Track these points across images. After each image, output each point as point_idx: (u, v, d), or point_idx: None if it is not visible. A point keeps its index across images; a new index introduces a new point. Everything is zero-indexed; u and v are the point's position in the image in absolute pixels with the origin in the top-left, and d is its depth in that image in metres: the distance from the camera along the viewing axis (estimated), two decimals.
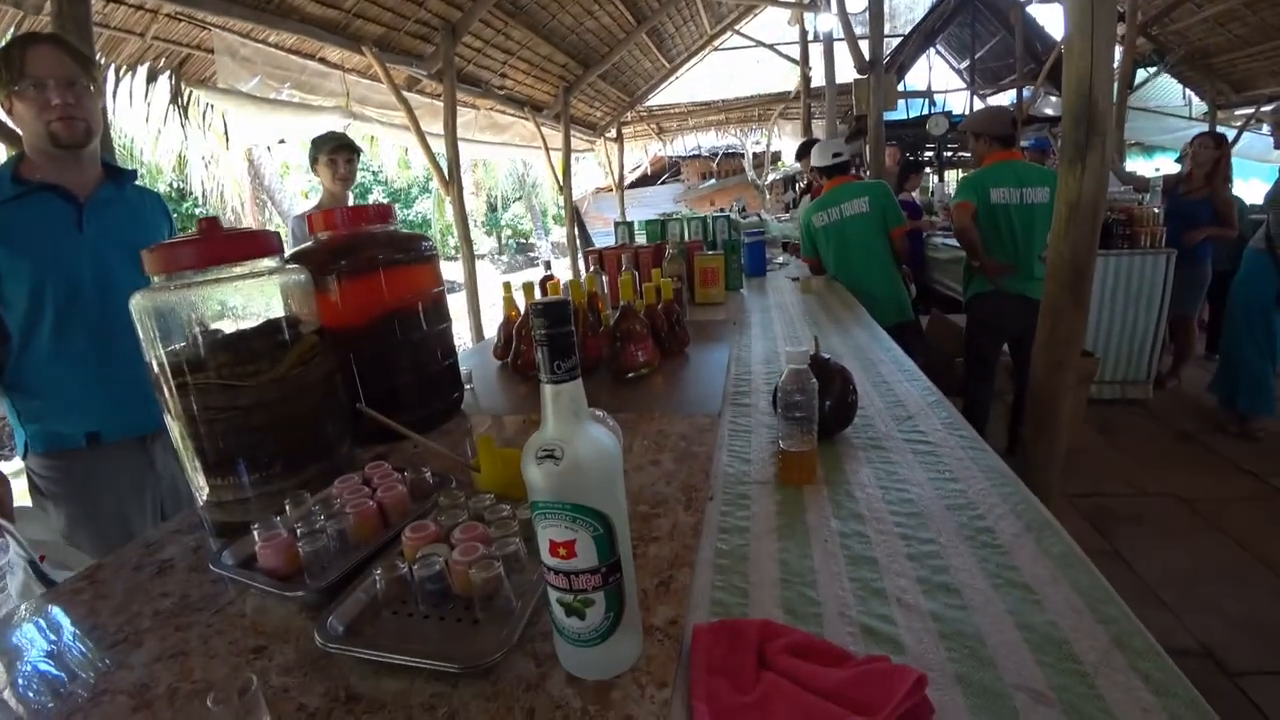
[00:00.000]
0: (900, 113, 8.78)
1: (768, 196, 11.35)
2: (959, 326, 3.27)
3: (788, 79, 10.11)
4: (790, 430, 0.88)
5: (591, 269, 2.31)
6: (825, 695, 0.50)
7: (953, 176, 9.75)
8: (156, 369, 0.91)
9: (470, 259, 5.15)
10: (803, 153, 3.60)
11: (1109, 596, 0.62)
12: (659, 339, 1.56)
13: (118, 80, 3.33)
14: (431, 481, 0.95)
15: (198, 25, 3.38)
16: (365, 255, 1.19)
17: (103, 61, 3.20)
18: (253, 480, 0.95)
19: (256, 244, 1.01)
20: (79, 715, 0.59)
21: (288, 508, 0.86)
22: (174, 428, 0.94)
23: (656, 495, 0.89)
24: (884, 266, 2.91)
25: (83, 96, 1.51)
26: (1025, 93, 7.98)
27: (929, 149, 9.80)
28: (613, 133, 9.98)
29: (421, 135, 4.55)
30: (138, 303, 0.91)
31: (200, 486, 0.94)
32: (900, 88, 9.17)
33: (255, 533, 0.79)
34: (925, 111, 9.73)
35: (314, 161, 2.86)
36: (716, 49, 9.49)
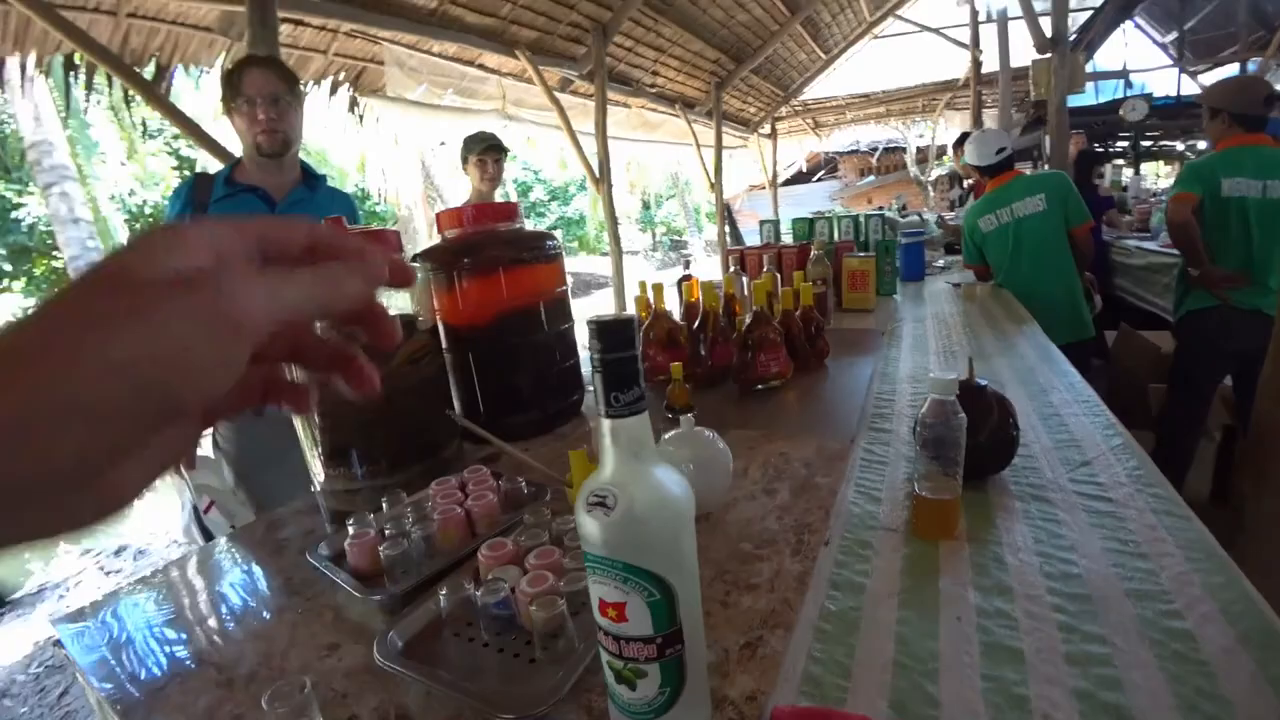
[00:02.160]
0: (1088, 97, 7.77)
1: (931, 194, 10.53)
2: (1156, 347, 2.80)
3: (956, 65, 9.32)
4: (929, 472, 0.74)
5: (732, 269, 2.22)
6: None
7: (1153, 170, 8.49)
8: None
9: (618, 255, 5.21)
10: (959, 146, 3.23)
11: None
12: (795, 349, 1.43)
13: (305, 94, 3.71)
14: (526, 492, 0.92)
15: (370, 40, 3.67)
16: (488, 253, 1.19)
17: None
18: (362, 473, 0.98)
19: (379, 241, 1.04)
20: (177, 680, 0.64)
21: (384, 505, 0.86)
22: (297, 417, 0.97)
23: (764, 533, 0.79)
24: (1063, 273, 2.54)
25: (285, 111, 1.73)
26: (1250, 67, 6.74)
27: (1123, 138, 8.60)
28: (766, 129, 9.73)
29: (573, 135, 4.67)
30: None
31: (316, 473, 0.98)
32: (1089, 68, 8.14)
33: (349, 528, 0.79)
34: (1119, 95, 8.53)
35: (464, 161, 2.98)
36: (876, 37, 8.90)
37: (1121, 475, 0.88)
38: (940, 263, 3.28)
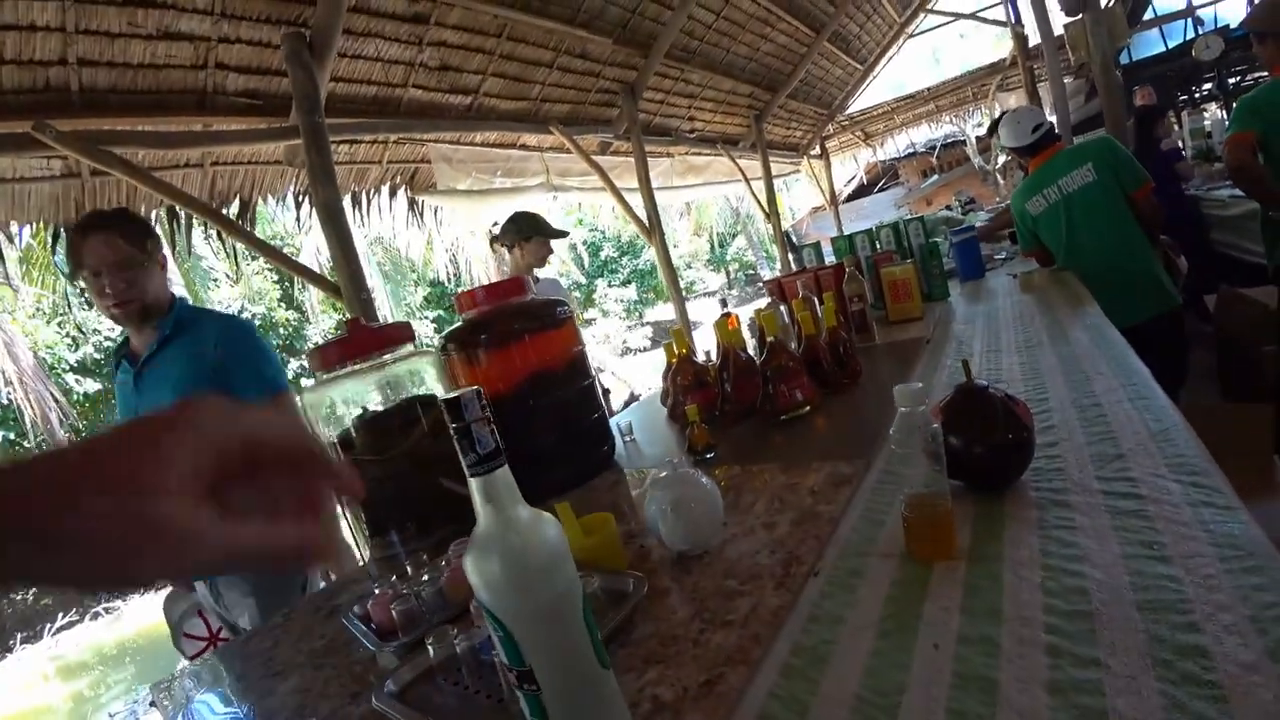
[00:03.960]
0: (1154, 43, 7.20)
1: (1001, 182, 10.03)
2: (1264, 305, 2.51)
3: (999, 45, 8.95)
4: (914, 488, 0.70)
5: (769, 300, 2.20)
6: None
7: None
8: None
9: (679, 300, 5.26)
10: (992, 131, 3.07)
11: None
12: (823, 373, 1.40)
13: (369, 200, 4.04)
14: None
15: (418, 143, 3.97)
16: (502, 328, 1.26)
17: (354, 188, 3.89)
18: (399, 540, 1.07)
19: (388, 336, 1.15)
20: None
21: (408, 569, 0.92)
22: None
23: (751, 569, 0.77)
24: (1129, 242, 2.34)
25: (137, 277, 1.59)
26: None
27: (1207, 79, 7.88)
28: (816, 150, 9.65)
29: (618, 193, 4.81)
30: (305, 397, 1.12)
31: (364, 545, 1.07)
32: (1149, 12, 7.56)
33: (375, 589, 0.87)
34: (1190, 36, 7.85)
35: (523, 240, 2.95)
36: (910, 35, 8.71)
37: (1160, 466, 0.80)
38: (1001, 255, 3.11)
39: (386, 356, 1.14)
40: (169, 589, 1.69)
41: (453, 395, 0.45)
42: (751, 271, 20.52)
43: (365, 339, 1.13)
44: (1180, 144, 5.10)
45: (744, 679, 0.58)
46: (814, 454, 1.11)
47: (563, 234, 3.13)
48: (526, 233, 2.99)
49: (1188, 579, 0.59)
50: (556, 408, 1.29)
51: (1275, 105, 2.08)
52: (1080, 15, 3.72)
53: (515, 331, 1.26)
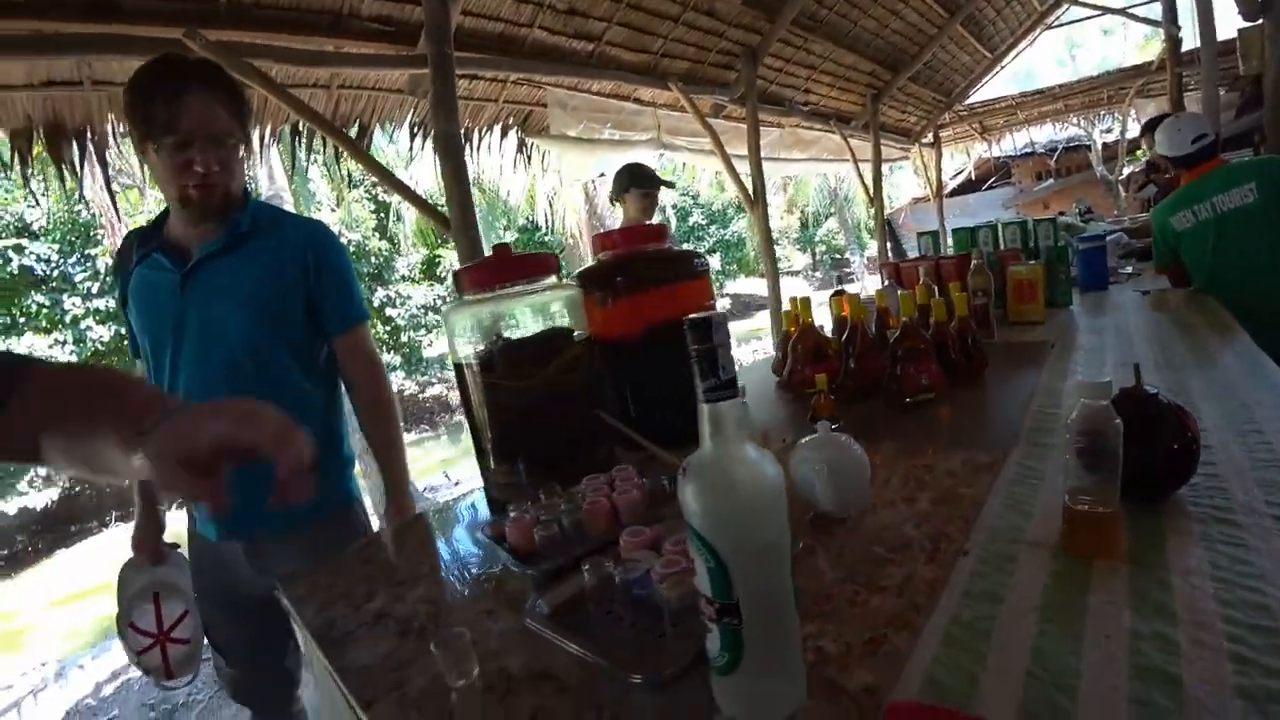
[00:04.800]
0: None
1: (1122, 194, 9.37)
2: None
3: (1146, 48, 8.23)
4: (1082, 483, 0.70)
5: (886, 283, 2.16)
6: None
7: None
8: (462, 368, 1.13)
9: (774, 275, 5.20)
10: (1146, 132, 2.83)
11: None
12: (949, 362, 1.38)
13: (480, 138, 4.11)
14: (669, 489, 0.97)
15: (535, 86, 4.00)
16: (638, 272, 1.28)
17: (468, 124, 3.96)
18: (524, 469, 1.11)
19: (537, 265, 1.18)
20: (365, 627, 0.79)
21: (541, 496, 0.96)
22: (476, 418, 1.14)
23: (898, 538, 0.78)
24: None
25: (231, 158, 1.30)
26: None
27: None
28: (929, 138, 9.23)
29: (727, 159, 4.75)
30: (447, 311, 1.16)
31: (487, 467, 1.14)
32: None
33: (510, 512, 0.90)
34: None
35: (624, 191, 3.07)
36: (1050, 26, 8.03)
37: None
38: (1128, 269, 2.94)
39: (529, 285, 1.17)
40: (129, 556, 1.35)
41: (701, 316, 0.46)
42: (839, 255, 19.94)
43: (513, 264, 1.17)
44: None
45: (908, 642, 0.60)
46: (942, 441, 1.10)
47: (667, 184, 3.13)
48: (627, 184, 3.02)
49: None
50: (679, 359, 1.31)
51: None
52: (1260, 20, 3.39)
53: (651, 277, 1.28)
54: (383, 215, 13.46)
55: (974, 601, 0.65)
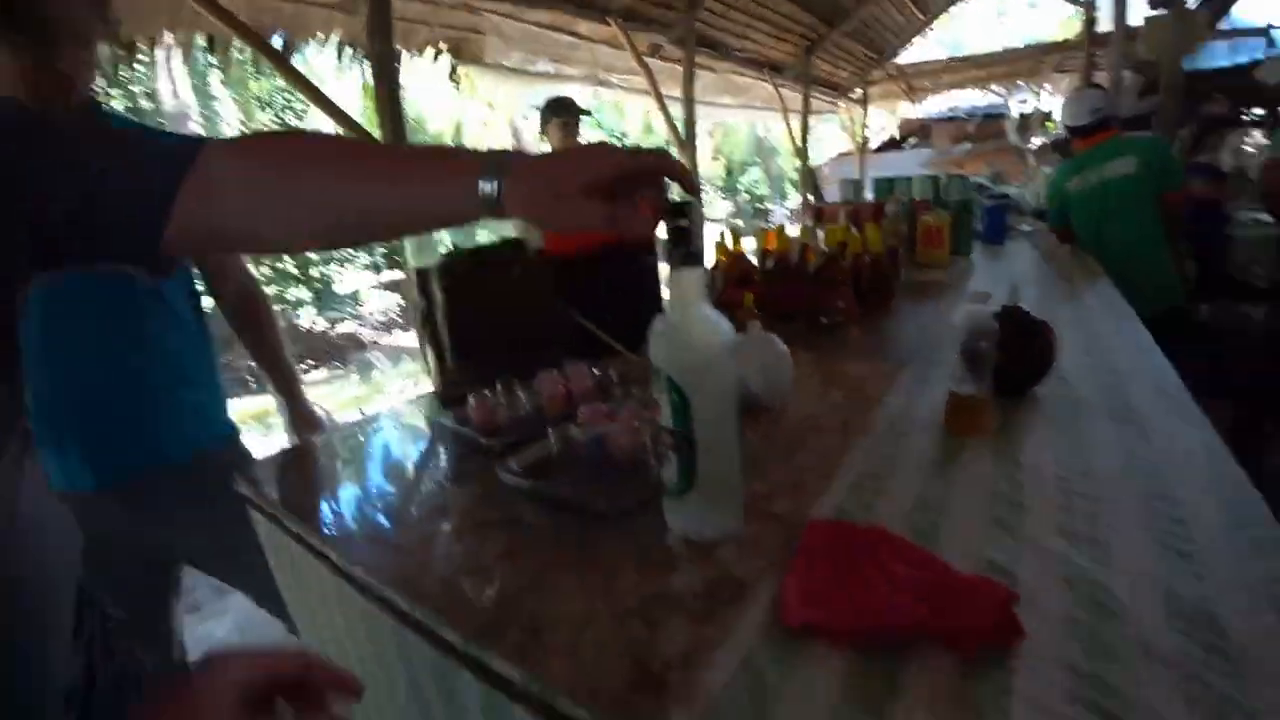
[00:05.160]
0: (1218, 57, 7.10)
1: (1031, 163, 9.96)
2: (1257, 321, 2.68)
3: (1068, 26, 8.70)
4: (962, 375, 0.86)
5: (809, 223, 2.31)
6: (913, 589, 0.52)
7: None
8: (417, 274, 1.17)
9: (700, 219, 5.29)
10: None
11: None
12: (860, 292, 1.54)
13: (409, 60, 3.96)
14: (618, 382, 1.09)
15: (471, 11, 3.87)
16: None
17: (400, 49, 3.80)
18: (479, 365, 1.19)
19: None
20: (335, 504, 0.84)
21: (499, 386, 1.05)
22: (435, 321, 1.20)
23: (815, 419, 0.94)
24: (1149, 240, 2.48)
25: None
26: None
27: (1264, 103, 7.81)
28: (857, 93, 9.46)
29: (661, 99, 4.77)
30: None
31: (444, 369, 1.22)
32: (1227, 23, 7.40)
33: (470, 399, 0.99)
34: (1257, 56, 7.71)
35: (545, 124, 3.01)
36: None
37: (1152, 394, 0.97)
38: (1025, 227, 3.23)
39: None
40: None
41: (682, 200, 0.57)
42: (761, 205, 20.26)
43: None
44: (1219, 161, 5.14)
45: (823, 485, 0.75)
46: (853, 356, 1.26)
47: (584, 112, 3.12)
48: (549, 115, 3.00)
49: (1167, 465, 0.77)
50: (624, 279, 1.42)
51: None
52: (1165, 10, 3.69)
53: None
54: None
55: (874, 462, 0.81)
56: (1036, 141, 10.83)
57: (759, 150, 16.19)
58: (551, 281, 1.33)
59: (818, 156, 12.93)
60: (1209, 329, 3.16)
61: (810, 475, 0.77)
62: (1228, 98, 6.08)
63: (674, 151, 5.01)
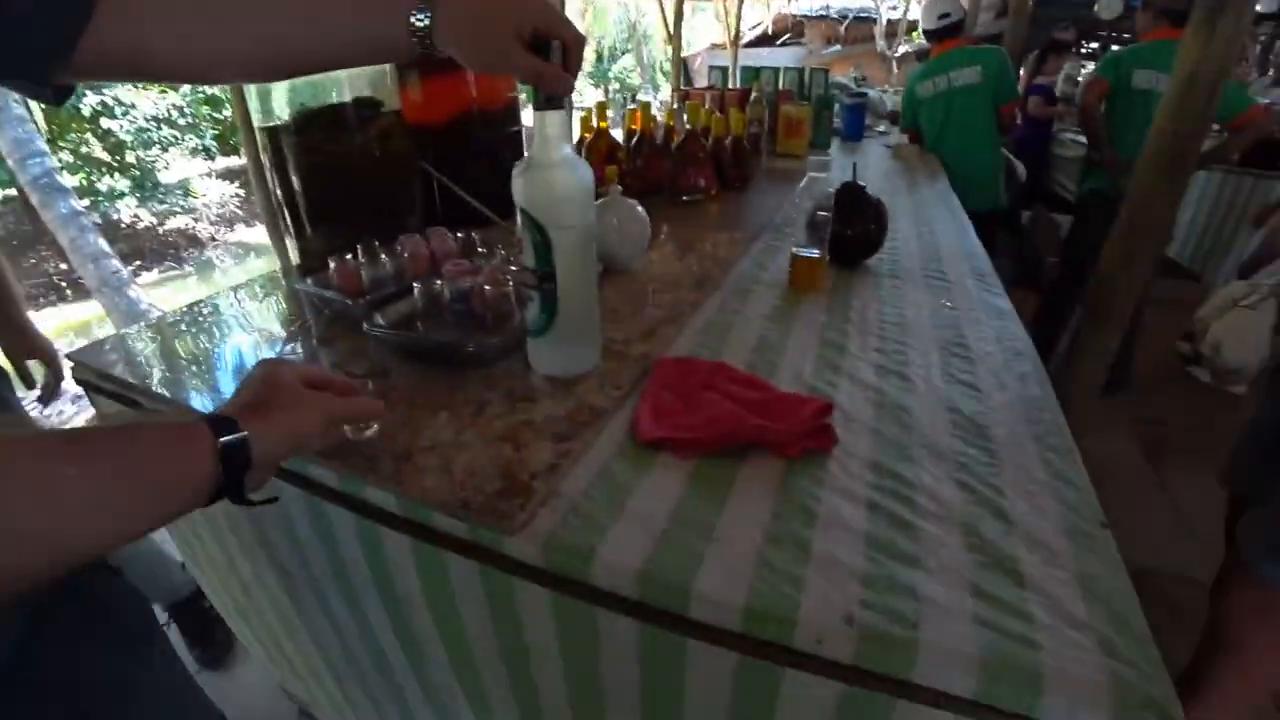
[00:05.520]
0: None
1: (895, 70, 10.35)
2: (1059, 225, 3.07)
3: None
4: (804, 238, 0.94)
5: (675, 105, 2.31)
6: (747, 406, 0.60)
7: None
8: (275, 131, 1.08)
9: (570, 104, 5.09)
10: None
11: (1049, 405, 0.67)
12: (723, 171, 1.59)
13: None
14: (480, 242, 1.08)
15: None
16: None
17: None
18: (337, 233, 1.13)
19: None
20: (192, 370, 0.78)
21: (359, 250, 1.01)
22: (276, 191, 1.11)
23: (671, 277, 0.99)
24: (985, 145, 2.72)
25: None
26: None
27: (1100, 36, 8.51)
28: None
29: None
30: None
31: (302, 235, 1.14)
32: None
33: (331, 264, 0.95)
34: None
35: None
36: None
37: (963, 265, 1.11)
38: (881, 128, 3.42)
39: None
40: None
41: (548, 44, 0.56)
42: (632, 95, 19.66)
43: None
44: (1055, 84, 5.60)
45: (674, 333, 0.81)
46: (713, 228, 1.32)
47: None
48: None
49: (963, 317, 0.89)
50: (488, 146, 1.37)
51: (1129, 66, 2.42)
52: None
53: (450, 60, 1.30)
54: None
55: (723, 314, 0.88)
56: (902, 49, 11.28)
57: (631, 35, 15.55)
58: (413, 144, 1.26)
59: (694, 46, 12.67)
60: (1027, 231, 3.58)
61: (663, 325, 0.82)
62: (1076, 27, 6.54)
63: None
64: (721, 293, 0.95)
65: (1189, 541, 1.95)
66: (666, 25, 7.30)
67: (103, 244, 4.53)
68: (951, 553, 0.47)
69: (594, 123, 1.66)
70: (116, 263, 4.60)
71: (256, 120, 1.15)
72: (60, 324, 5.57)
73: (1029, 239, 3.35)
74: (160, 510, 0.38)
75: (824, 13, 11.14)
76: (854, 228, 1.06)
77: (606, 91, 20.60)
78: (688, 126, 1.49)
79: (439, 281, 0.84)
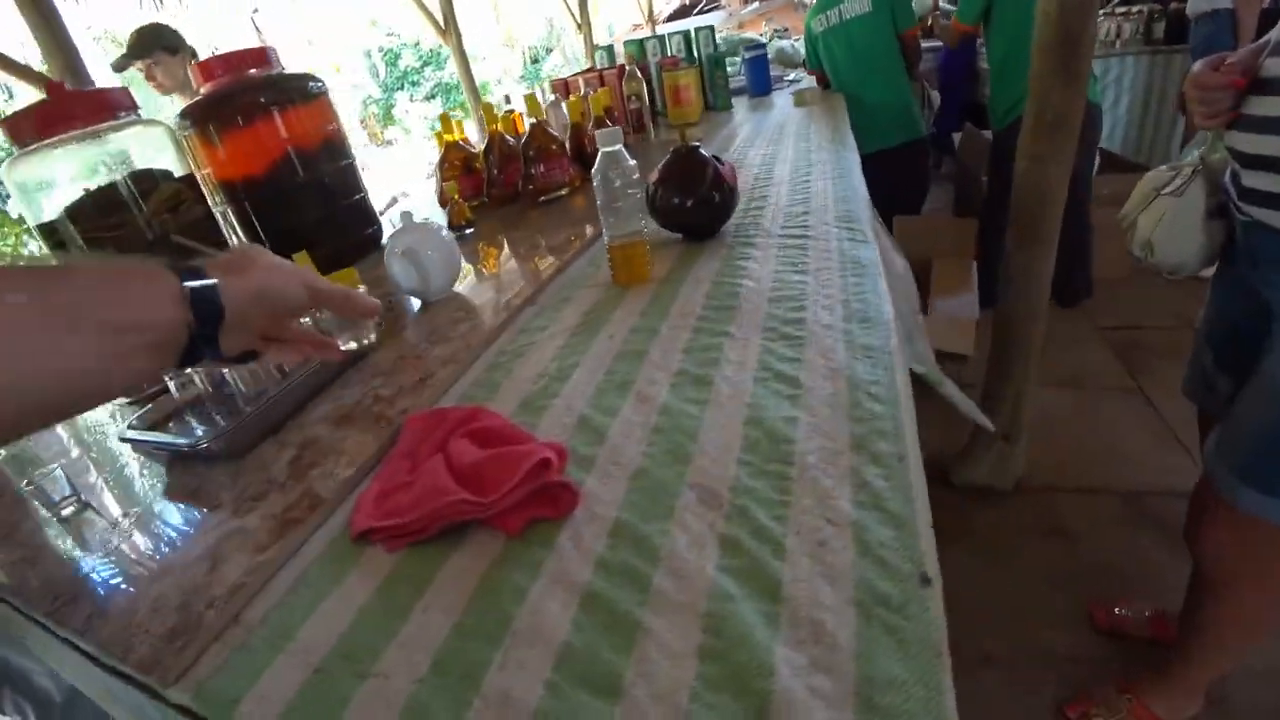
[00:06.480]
0: None
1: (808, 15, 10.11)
2: (990, 141, 2.91)
3: None
4: (608, 221, 0.80)
5: (552, 98, 2.17)
6: (460, 472, 0.47)
7: None
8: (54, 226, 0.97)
9: (478, 106, 4.93)
10: None
11: (894, 399, 0.51)
12: (585, 159, 1.45)
13: None
14: None
15: None
16: (245, 101, 1.17)
17: None
18: None
19: (103, 103, 1.02)
20: None
21: None
22: None
23: (475, 303, 0.86)
24: (888, 76, 2.54)
25: None
26: None
27: None
28: None
29: None
30: (8, 174, 0.97)
31: None
32: None
33: None
34: None
35: (135, 60, 2.27)
36: None
37: (831, 219, 0.97)
38: (791, 76, 3.26)
39: (105, 125, 1.01)
40: None
41: None
42: (506, 96, 19.37)
43: (70, 104, 0.99)
44: None
45: (453, 375, 0.68)
46: (571, 224, 1.19)
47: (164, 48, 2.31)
48: (141, 52, 2.28)
49: (812, 282, 0.75)
50: (315, 188, 1.24)
51: None
52: None
53: (261, 106, 1.18)
54: None
55: (524, 335, 0.75)
56: None
57: (551, 31, 15.32)
58: (204, 210, 1.14)
59: (617, 28, 12.47)
60: (959, 152, 3.42)
61: (445, 363, 0.69)
62: None
63: (438, 41, 4.54)
64: (535, 308, 0.82)
65: (1176, 452, 1.82)
66: (572, 14, 7.13)
67: None
68: (676, 667, 0.33)
69: (446, 134, 1.52)
70: None
71: (30, 219, 1.03)
72: None
73: (962, 162, 3.21)
74: (128, 363, 0.32)
75: None
76: (693, 197, 0.93)
77: (541, 90, 20.36)
78: (530, 120, 1.35)
79: (196, 375, 0.71)
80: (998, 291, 1.73)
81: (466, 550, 0.45)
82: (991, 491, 1.75)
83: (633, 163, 0.77)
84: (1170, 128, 3.17)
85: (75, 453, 0.77)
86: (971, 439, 1.79)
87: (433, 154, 1.53)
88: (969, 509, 1.73)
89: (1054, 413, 2.02)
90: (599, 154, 0.77)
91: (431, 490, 0.45)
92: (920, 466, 0.43)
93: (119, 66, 2.25)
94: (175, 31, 2.36)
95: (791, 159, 1.41)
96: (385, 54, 15.12)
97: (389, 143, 14.55)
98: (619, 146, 0.77)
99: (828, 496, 0.42)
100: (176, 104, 2.34)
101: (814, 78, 2.86)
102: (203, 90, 1.21)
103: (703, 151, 0.94)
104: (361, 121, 14.47)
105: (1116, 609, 1.32)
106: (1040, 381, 1.71)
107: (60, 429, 0.84)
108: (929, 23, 3.98)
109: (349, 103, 14.10)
